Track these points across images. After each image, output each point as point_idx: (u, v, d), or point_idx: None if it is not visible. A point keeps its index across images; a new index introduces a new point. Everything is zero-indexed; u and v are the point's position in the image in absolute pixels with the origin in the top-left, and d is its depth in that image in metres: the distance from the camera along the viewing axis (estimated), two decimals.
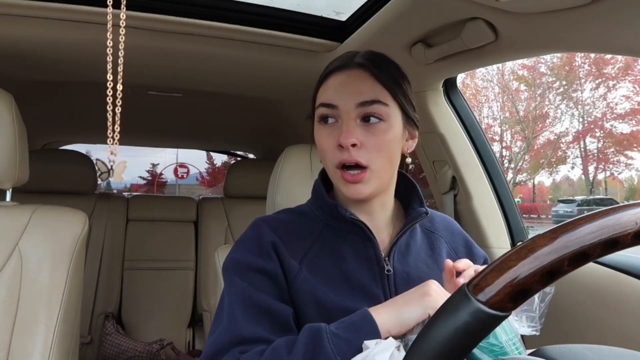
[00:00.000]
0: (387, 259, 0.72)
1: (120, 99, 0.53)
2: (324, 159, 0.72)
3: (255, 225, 0.74)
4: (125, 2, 0.57)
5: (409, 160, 0.77)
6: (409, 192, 0.78)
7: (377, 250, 0.71)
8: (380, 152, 0.68)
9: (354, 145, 0.66)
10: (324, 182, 0.77)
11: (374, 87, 0.69)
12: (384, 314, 0.59)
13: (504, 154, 21.15)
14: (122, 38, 0.52)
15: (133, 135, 2.55)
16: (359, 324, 0.58)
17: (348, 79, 0.70)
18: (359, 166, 0.67)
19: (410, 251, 0.74)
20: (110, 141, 0.54)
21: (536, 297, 0.57)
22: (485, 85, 21.78)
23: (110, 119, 0.52)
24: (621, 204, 0.35)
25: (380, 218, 0.75)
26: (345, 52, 0.75)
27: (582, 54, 17.38)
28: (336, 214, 0.72)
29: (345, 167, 0.68)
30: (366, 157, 0.67)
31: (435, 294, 0.58)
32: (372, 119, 0.68)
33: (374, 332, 0.56)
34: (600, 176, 21.52)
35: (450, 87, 1.32)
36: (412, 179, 0.78)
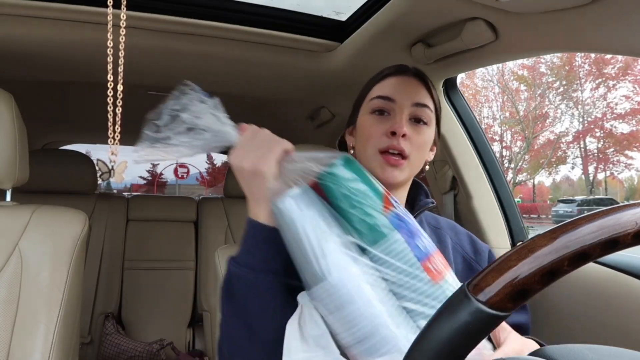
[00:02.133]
0: None
1: (121, 99, 0.53)
2: (366, 145, 0.78)
3: None
4: (125, 2, 0.57)
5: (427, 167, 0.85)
6: (415, 191, 0.85)
7: None
8: (420, 149, 0.78)
9: (404, 135, 0.74)
10: None
11: (426, 95, 0.79)
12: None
13: (504, 154, 21.15)
14: (122, 38, 0.52)
15: (133, 135, 2.55)
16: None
17: (405, 82, 0.80)
18: (401, 154, 0.75)
19: None
20: (111, 141, 0.54)
21: None
22: (485, 85, 21.78)
23: (110, 119, 0.52)
24: (621, 204, 0.35)
25: None
26: (394, 65, 0.84)
27: (582, 54, 17.38)
28: None
29: (387, 153, 0.75)
30: (409, 149, 0.75)
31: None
32: (420, 122, 0.78)
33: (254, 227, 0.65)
34: (600, 176, 21.53)
35: (450, 87, 1.32)
36: (418, 180, 0.86)
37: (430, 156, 0.84)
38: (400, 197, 0.82)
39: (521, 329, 0.76)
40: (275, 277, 0.63)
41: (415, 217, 0.78)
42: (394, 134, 0.74)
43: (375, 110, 0.78)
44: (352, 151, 0.84)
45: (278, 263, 0.63)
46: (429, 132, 0.79)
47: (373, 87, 0.81)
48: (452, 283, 0.59)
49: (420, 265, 0.57)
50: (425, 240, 0.62)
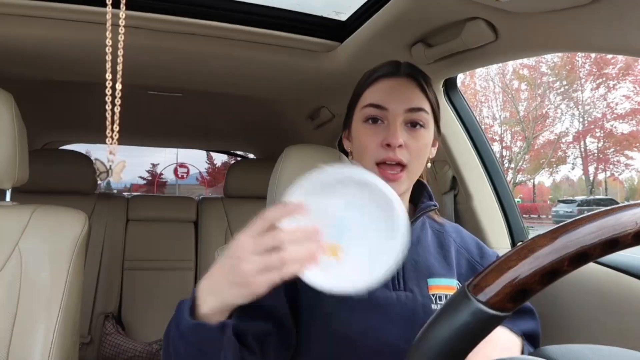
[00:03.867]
0: None
1: (120, 98, 0.53)
2: (363, 156, 0.76)
3: None
4: (124, 1, 0.57)
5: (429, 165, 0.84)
6: (419, 191, 0.83)
7: None
8: (419, 155, 0.75)
9: (400, 146, 0.72)
10: None
11: (420, 97, 0.76)
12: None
13: (504, 154, 21.15)
14: (121, 37, 0.52)
15: (133, 135, 2.55)
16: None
17: (398, 85, 0.76)
18: (399, 165, 0.73)
19: (421, 243, 0.79)
20: (109, 141, 0.54)
21: None
22: (486, 85, 21.78)
23: (109, 118, 0.52)
24: (621, 204, 0.35)
25: None
26: (387, 62, 0.80)
27: (583, 54, 17.38)
28: None
29: (385, 164, 0.73)
30: (407, 158, 0.73)
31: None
32: (417, 125, 0.75)
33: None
34: (601, 176, 21.53)
35: (450, 87, 1.32)
36: (421, 180, 0.84)
37: (433, 153, 0.82)
38: (403, 199, 0.79)
39: (531, 338, 0.75)
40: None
41: (415, 221, 0.78)
42: (389, 145, 0.72)
43: (368, 118, 0.76)
44: (350, 157, 0.82)
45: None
46: (427, 135, 0.76)
47: (364, 91, 0.79)
48: None
49: None
50: None
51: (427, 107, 0.76)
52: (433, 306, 0.72)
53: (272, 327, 0.66)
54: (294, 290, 0.71)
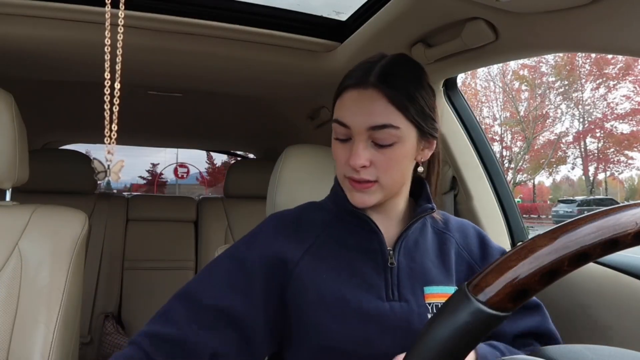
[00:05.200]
0: (392, 252, 0.73)
1: (119, 97, 0.53)
2: (337, 168, 0.74)
3: (264, 222, 0.79)
4: (124, 1, 0.57)
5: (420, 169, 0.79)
6: (419, 191, 0.80)
7: (382, 244, 0.73)
8: (390, 170, 0.69)
9: (364, 166, 0.68)
10: None
11: (386, 109, 0.67)
12: None
13: (504, 154, 21.15)
14: (120, 37, 0.52)
15: (133, 135, 2.55)
16: None
17: (360, 99, 0.68)
18: (368, 183, 0.69)
19: (419, 248, 0.75)
20: (107, 140, 0.54)
21: None
22: (486, 85, 21.78)
23: (107, 117, 0.52)
24: (621, 204, 0.35)
25: (392, 215, 0.77)
26: (364, 62, 0.73)
27: (583, 54, 17.38)
28: (345, 206, 0.75)
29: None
30: (375, 175, 0.69)
31: None
32: (384, 146, 0.68)
33: None
34: (601, 176, 21.53)
35: (450, 87, 1.32)
36: (423, 179, 0.80)
37: (425, 155, 0.76)
38: (398, 201, 0.77)
39: (537, 335, 0.73)
40: None
41: (412, 225, 0.75)
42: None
43: (337, 136, 0.72)
44: None
45: None
46: (398, 147, 0.68)
47: (336, 101, 0.73)
48: None
49: None
50: None
51: (397, 120, 0.67)
52: (429, 315, 0.69)
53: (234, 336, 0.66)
54: (280, 304, 0.70)
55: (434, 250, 0.77)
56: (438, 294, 0.71)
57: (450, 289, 0.72)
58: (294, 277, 0.71)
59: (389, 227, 0.76)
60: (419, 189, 0.80)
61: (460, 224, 0.83)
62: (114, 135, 0.53)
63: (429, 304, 0.70)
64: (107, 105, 0.53)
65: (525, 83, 20.57)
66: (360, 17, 1.10)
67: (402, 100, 0.67)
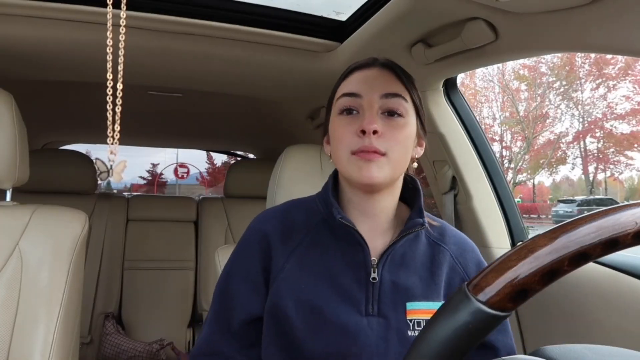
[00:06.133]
0: (375, 266, 0.70)
1: (120, 98, 0.53)
2: (338, 148, 0.70)
3: (249, 229, 0.78)
4: (125, 1, 0.57)
5: (415, 165, 0.78)
6: (413, 200, 0.76)
7: (367, 256, 0.69)
8: (399, 144, 0.68)
9: (375, 132, 0.66)
10: (335, 181, 0.78)
11: (397, 84, 0.71)
12: None
13: (504, 154, 21.15)
14: (122, 37, 0.52)
15: (133, 135, 2.55)
16: None
17: (373, 74, 0.72)
18: (376, 152, 0.67)
19: (406, 262, 0.71)
20: (110, 140, 0.54)
21: None
22: (486, 85, 21.78)
23: (110, 117, 0.52)
24: (621, 204, 0.35)
25: (380, 221, 0.74)
26: (365, 59, 0.77)
27: (582, 54, 17.38)
28: (332, 213, 0.71)
29: (361, 152, 0.68)
30: (385, 146, 0.67)
31: None
32: (395, 114, 0.69)
33: None
34: (600, 176, 21.53)
35: (450, 87, 1.32)
36: (419, 187, 0.76)
37: (418, 152, 0.76)
38: (389, 201, 0.74)
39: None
40: None
41: (399, 240, 0.71)
42: (364, 132, 0.66)
43: (343, 110, 0.71)
44: (330, 160, 0.76)
45: None
46: (407, 125, 0.70)
47: (339, 86, 0.75)
48: None
49: None
50: None
51: (407, 95, 0.71)
52: (409, 332, 0.66)
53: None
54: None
55: (424, 263, 0.73)
56: (421, 309, 0.68)
57: (436, 305, 0.69)
58: (278, 281, 0.70)
59: (376, 234, 0.73)
60: (412, 197, 0.77)
61: (459, 238, 0.78)
62: (116, 135, 0.53)
63: (410, 320, 0.68)
64: (109, 106, 0.53)
65: (525, 83, 20.58)
66: (360, 17, 1.10)
67: (407, 82, 0.72)
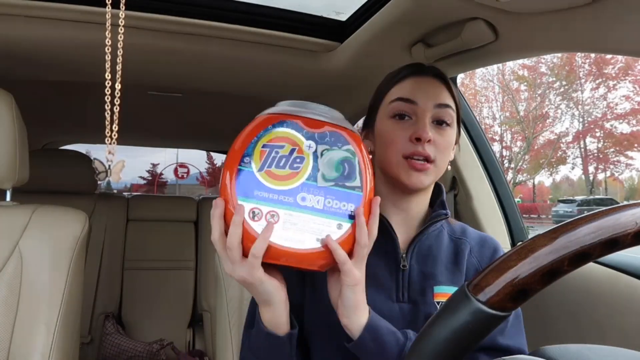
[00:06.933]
0: (404, 255, 0.75)
1: (119, 98, 0.53)
2: (388, 150, 0.75)
3: None
4: (124, 1, 0.57)
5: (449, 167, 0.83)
6: (436, 195, 0.83)
7: (397, 247, 0.75)
8: (445, 151, 0.75)
9: (429, 141, 0.72)
10: None
11: (447, 94, 0.77)
12: None
13: (504, 154, 21.16)
14: (120, 37, 0.52)
15: (133, 135, 2.55)
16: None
17: (427, 82, 0.77)
18: (426, 160, 0.73)
19: (431, 253, 0.77)
20: (108, 140, 0.54)
21: None
22: (485, 85, 21.79)
23: (108, 117, 0.52)
24: (621, 204, 0.35)
25: (414, 215, 0.79)
26: (411, 64, 0.81)
27: (582, 54, 17.38)
28: None
29: (412, 158, 0.73)
30: (434, 153, 0.73)
31: None
32: (443, 123, 0.75)
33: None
34: (600, 176, 21.54)
35: None
36: (441, 184, 0.83)
37: (452, 156, 0.81)
38: (422, 200, 0.80)
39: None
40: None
41: (425, 230, 0.77)
42: (418, 139, 0.72)
43: (396, 114, 0.75)
44: (371, 156, 0.82)
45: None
46: (452, 133, 0.77)
47: (391, 88, 0.78)
48: None
49: None
50: None
51: (453, 105, 0.77)
52: None
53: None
54: (299, 305, 0.72)
55: (448, 255, 0.78)
56: (447, 293, 0.73)
57: None
58: (311, 275, 0.73)
59: (406, 229, 0.79)
60: (434, 195, 0.82)
61: (481, 236, 0.84)
62: (114, 135, 0.53)
63: (438, 302, 0.72)
64: (107, 106, 0.53)
65: (525, 83, 20.58)
66: (360, 17, 1.10)
67: (455, 91, 0.78)
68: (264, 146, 0.55)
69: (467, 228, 0.85)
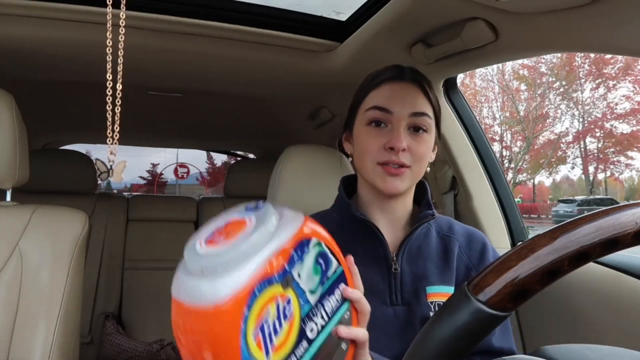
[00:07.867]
0: (395, 258, 0.75)
1: (120, 98, 0.53)
2: (364, 158, 0.76)
3: None
4: (125, 1, 0.57)
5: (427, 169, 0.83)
6: (421, 195, 0.83)
7: (386, 251, 0.75)
8: (422, 158, 0.75)
9: (403, 149, 0.72)
10: (345, 188, 0.84)
11: (424, 101, 0.77)
12: None
13: (504, 154, 21.15)
14: (121, 37, 0.52)
15: (133, 135, 2.55)
16: None
17: (402, 89, 0.76)
18: (402, 166, 0.73)
19: (421, 253, 0.77)
20: (109, 141, 0.54)
21: None
22: (485, 85, 21.78)
23: (109, 118, 0.52)
24: (621, 204, 0.35)
25: (399, 218, 0.80)
26: (390, 66, 0.80)
27: (582, 54, 17.38)
28: (349, 213, 0.76)
29: (387, 165, 0.74)
30: (410, 159, 0.74)
31: None
32: (420, 130, 0.75)
33: None
34: (601, 176, 21.54)
35: (450, 87, 1.32)
36: (426, 184, 0.83)
37: (432, 157, 0.82)
38: (407, 201, 0.80)
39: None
40: None
41: (414, 232, 0.77)
42: (392, 148, 0.72)
43: (372, 121, 0.76)
44: (350, 158, 0.82)
45: None
46: (429, 139, 0.77)
47: (368, 94, 0.78)
48: None
49: None
50: None
51: (430, 111, 0.77)
52: (432, 314, 0.71)
53: None
54: None
55: (438, 254, 0.78)
56: (439, 293, 0.73)
57: (451, 289, 0.74)
58: None
59: (393, 231, 0.79)
60: (419, 194, 0.83)
61: (468, 231, 0.84)
62: (116, 135, 0.53)
63: (432, 302, 0.72)
64: (109, 106, 0.53)
65: (525, 83, 20.58)
66: (360, 17, 1.10)
67: (434, 98, 0.78)
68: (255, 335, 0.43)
69: (454, 223, 0.85)
